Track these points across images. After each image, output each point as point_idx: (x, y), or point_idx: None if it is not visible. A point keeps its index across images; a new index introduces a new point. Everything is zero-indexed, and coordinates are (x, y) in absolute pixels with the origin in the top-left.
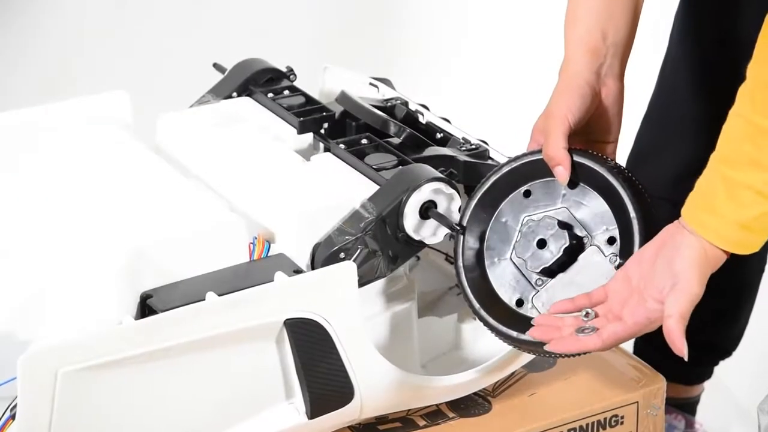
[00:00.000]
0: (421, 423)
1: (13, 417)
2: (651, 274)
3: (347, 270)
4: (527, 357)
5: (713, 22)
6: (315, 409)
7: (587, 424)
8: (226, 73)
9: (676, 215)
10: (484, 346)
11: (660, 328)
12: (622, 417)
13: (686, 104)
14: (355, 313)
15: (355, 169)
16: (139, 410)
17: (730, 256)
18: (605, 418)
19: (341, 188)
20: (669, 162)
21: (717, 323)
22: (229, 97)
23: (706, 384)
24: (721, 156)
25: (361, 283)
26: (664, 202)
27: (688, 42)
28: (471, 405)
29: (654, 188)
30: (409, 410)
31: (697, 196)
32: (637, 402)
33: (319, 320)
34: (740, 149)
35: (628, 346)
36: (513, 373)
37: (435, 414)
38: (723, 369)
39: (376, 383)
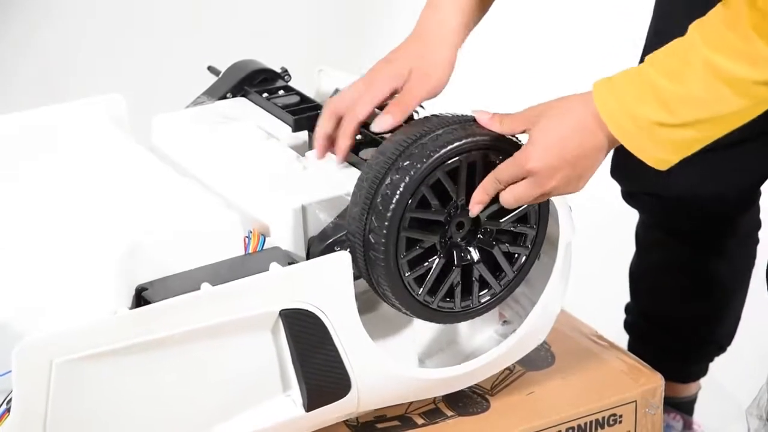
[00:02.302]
0: (420, 421)
1: (8, 410)
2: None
3: (342, 260)
4: (523, 351)
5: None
6: (312, 402)
7: (585, 423)
8: (220, 74)
9: (661, 208)
10: (481, 341)
11: (654, 329)
12: (621, 416)
13: None
14: (350, 303)
15: (349, 162)
16: (135, 401)
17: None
18: (603, 417)
19: (335, 182)
20: None
21: (707, 320)
22: (224, 97)
23: (705, 385)
24: (653, 57)
25: (357, 276)
26: (649, 197)
27: (668, 23)
28: (469, 403)
29: (639, 182)
30: (407, 409)
31: (615, 76)
32: (635, 401)
33: (315, 311)
34: (667, 60)
35: (625, 344)
36: (511, 372)
37: (433, 412)
38: (721, 370)
39: (373, 375)
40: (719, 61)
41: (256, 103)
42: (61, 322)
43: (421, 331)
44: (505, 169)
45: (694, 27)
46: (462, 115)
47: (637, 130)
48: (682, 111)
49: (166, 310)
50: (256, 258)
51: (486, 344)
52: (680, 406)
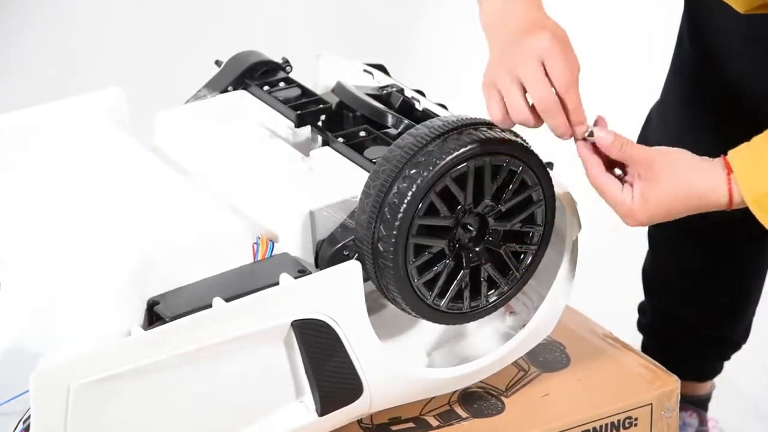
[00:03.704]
0: (434, 423)
1: (26, 430)
2: (666, 170)
3: (352, 269)
4: (529, 346)
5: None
6: (325, 407)
7: (601, 426)
8: (221, 67)
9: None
10: (488, 332)
11: (669, 329)
12: (636, 419)
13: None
14: (361, 310)
15: (355, 163)
16: (153, 419)
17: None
18: (618, 420)
19: (342, 184)
20: None
21: (723, 319)
22: (225, 91)
23: (719, 383)
24: None
25: (365, 278)
26: None
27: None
28: (484, 405)
29: None
30: (422, 410)
31: (752, 145)
32: (651, 404)
33: (326, 320)
34: None
35: (638, 345)
36: (526, 373)
37: (448, 414)
38: (737, 368)
39: (384, 378)
40: None
41: (257, 97)
42: (75, 338)
43: (429, 326)
44: (609, 193)
45: None
46: (468, 118)
47: None
48: None
49: (179, 330)
50: (265, 266)
51: (493, 336)
52: (696, 404)
